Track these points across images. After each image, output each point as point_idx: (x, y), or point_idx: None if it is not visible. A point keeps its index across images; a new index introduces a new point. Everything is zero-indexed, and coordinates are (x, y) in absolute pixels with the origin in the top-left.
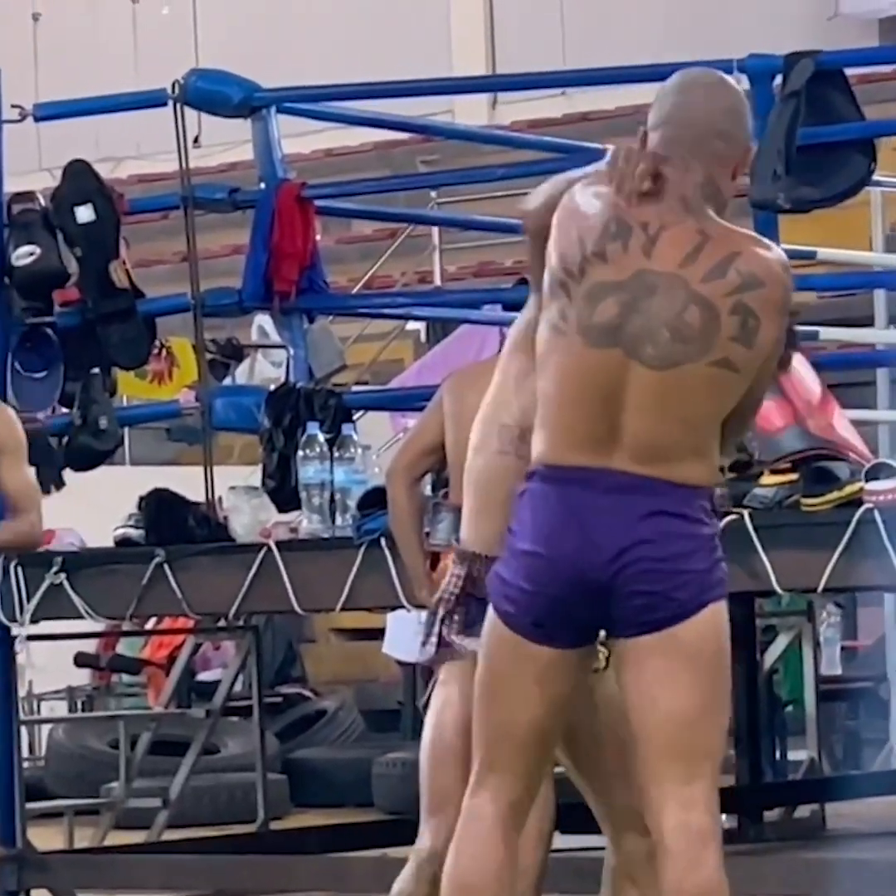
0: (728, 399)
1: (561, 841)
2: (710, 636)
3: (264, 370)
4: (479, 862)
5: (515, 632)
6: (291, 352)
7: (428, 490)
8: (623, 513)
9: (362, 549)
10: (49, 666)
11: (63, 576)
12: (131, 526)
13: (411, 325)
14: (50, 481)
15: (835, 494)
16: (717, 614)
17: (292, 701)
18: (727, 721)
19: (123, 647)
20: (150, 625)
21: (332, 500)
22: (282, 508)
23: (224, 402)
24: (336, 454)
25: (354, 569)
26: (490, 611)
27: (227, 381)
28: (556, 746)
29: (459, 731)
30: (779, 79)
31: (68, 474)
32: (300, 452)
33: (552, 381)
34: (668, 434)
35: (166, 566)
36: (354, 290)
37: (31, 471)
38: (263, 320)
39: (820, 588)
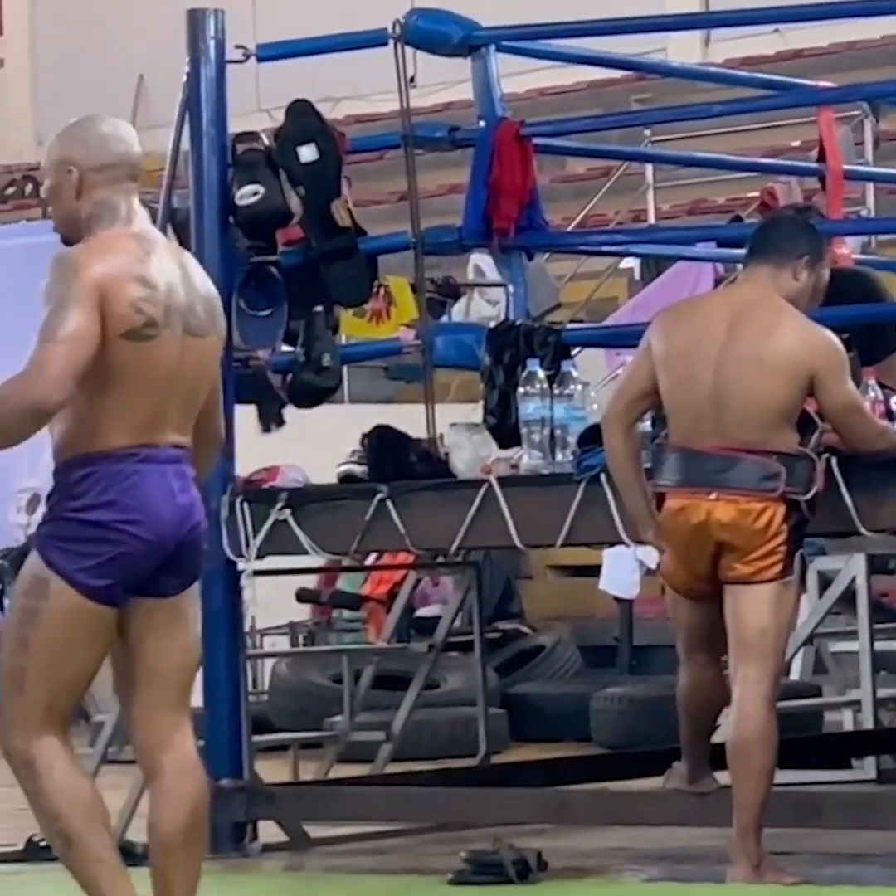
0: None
1: (780, 776)
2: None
3: (481, 309)
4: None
5: (94, 600)
6: (511, 289)
7: (648, 425)
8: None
9: (582, 484)
10: (271, 602)
11: (288, 512)
12: (354, 462)
13: (625, 263)
14: (271, 419)
15: None
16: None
17: (510, 637)
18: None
19: (343, 583)
20: (369, 560)
21: (552, 436)
22: (502, 445)
23: (444, 340)
24: (556, 391)
25: (575, 505)
26: (56, 582)
27: (444, 320)
28: None
29: None
30: None
31: (290, 411)
32: (520, 389)
33: None
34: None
35: (389, 502)
36: (569, 229)
37: None
38: (479, 259)
39: None
